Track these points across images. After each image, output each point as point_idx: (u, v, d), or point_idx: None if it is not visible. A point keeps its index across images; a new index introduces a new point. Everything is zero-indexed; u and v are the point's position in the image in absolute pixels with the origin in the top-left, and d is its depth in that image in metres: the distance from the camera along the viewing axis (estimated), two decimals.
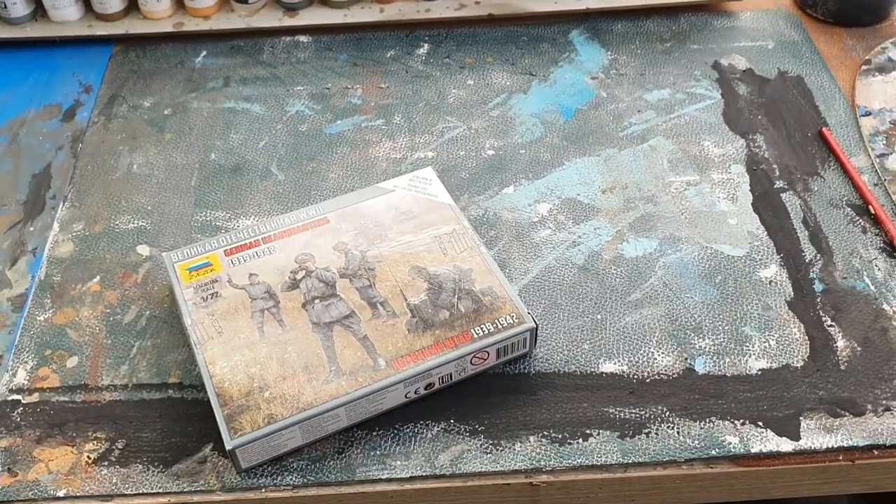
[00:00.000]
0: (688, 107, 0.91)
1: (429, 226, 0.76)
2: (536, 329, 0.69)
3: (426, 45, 1.00)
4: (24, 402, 0.70)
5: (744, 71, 0.95)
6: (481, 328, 0.69)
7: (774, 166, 0.85)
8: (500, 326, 0.69)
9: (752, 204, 0.82)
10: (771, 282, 0.76)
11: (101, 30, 1.01)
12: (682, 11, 1.03)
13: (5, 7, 0.99)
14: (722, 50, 0.98)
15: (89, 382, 0.71)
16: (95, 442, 0.67)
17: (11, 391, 0.70)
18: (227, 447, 0.62)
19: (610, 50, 0.98)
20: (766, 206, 0.82)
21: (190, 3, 1.00)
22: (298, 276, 0.72)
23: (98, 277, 0.78)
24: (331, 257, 0.74)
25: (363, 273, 0.73)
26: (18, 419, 0.68)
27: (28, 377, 0.71)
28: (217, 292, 0.71)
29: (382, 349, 0.68)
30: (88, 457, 0.66)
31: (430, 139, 0.89)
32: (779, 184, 0.84)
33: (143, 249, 0.80)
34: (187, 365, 0.71)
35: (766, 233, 0.79)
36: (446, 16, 1.01)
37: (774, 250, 0.78)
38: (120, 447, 0.66)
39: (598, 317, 0.74)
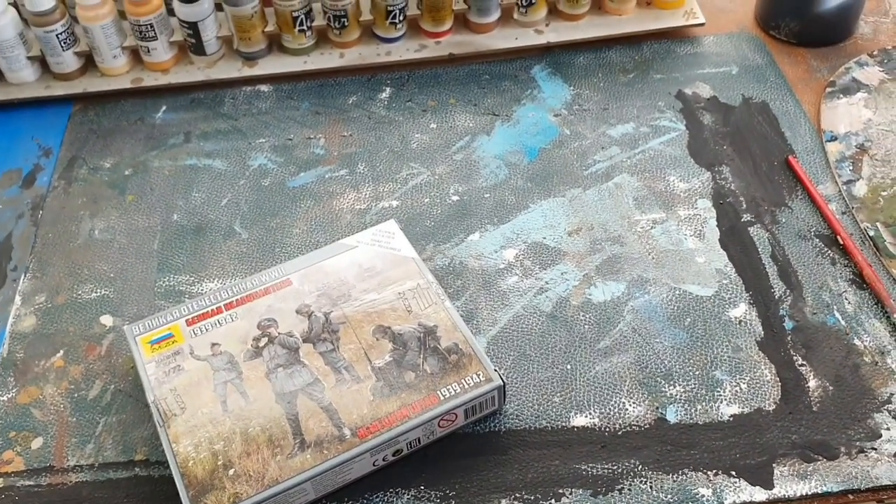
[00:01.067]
0: (652, 140, 0.90)
1: (392, 282, 0.75)
2: (504, 386, 0.68)
3: (388, 89, 0.99)
4: None
5: (708, 99, 0.95)
6: (448, 389, 0.68)
7: (741, 198, 0.84)
8: (466, 386, 0.68)
9: (719, 240, 0.81)
10: (741, 322, 0.75)
11: (59, 90, 1.00)
12: (644, 40, 1.02)
13: None
14: (686, 78, 0.97)
15: (55, 464, 0.70)
16: None
17: None
18: None
19: (572, 84, 0.97)
20: (734, 241, 0.81)
21: (147, 58, 0.99)
22: (261, 344, 0.72)
23: (62, 352, 0.77)
24: (294, 321, 0.73)
25: (327, 336, 0.72)
26: None
27: None
28: (179, 365, 0.70)
29: (347, 417, 0.67)
30: None
31: (395, 187, 0.88)
32: (746, 217, 0.83)
33: (107, 319, 0.79)
34: (153, 440, 0.70)
35: (734, 270, 0.79)
36: (407, 58, 1.00)
37: (743, 288, 0.77)
38: None
39: (568, 367, 0.73)
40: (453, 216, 0.85)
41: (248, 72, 1.00)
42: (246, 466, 0.64)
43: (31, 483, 0.69)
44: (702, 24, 1.01)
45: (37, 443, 0.71)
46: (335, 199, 0.88)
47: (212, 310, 0.74)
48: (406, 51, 1.00)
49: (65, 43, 0.97)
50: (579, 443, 0.68)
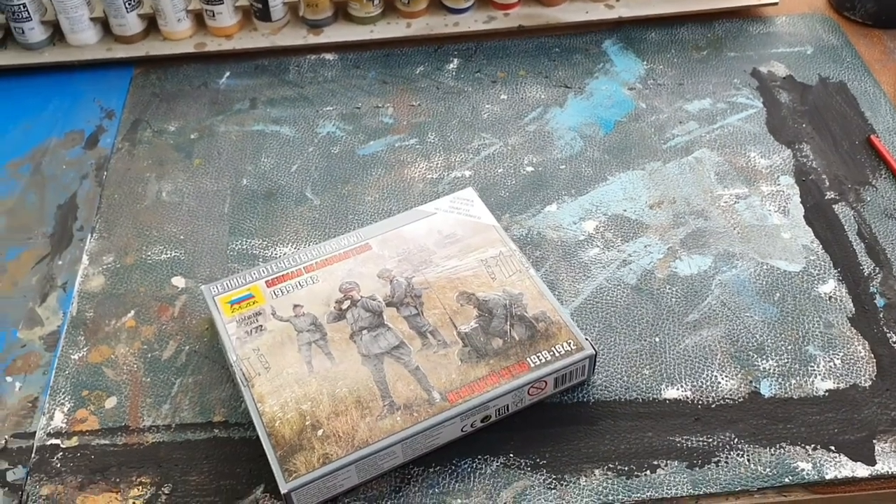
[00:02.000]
0: (730, 116, 0.89)
1: (474, 249, 0.74)
2: (595, 356, 0.66)
3: (456, 60, 0.97)
4: (63, 446, 0.67)
5: (784, 78, 0.93)
6: (538, 356, 0.66)
7: (824, 176, 0.83)
8: (557, 354, 0.66)
9: (804, 216, 0.79)
10: (831, 298, 0.73)
11: (121, 52, 0.98)
12: (716, 18, 1.00)
13: (23, 32, 0.96)
14: (760, 57, 0.95)
15: (130, 424, 0.68)
16: (140, 487, 0.64)
17: (50, 435, 0.67)
18: (283, 490, 0.59)
19: (645, 59, 0.95)
20: (819, 218, 0.79)
21: (211, 23, 0.98)
22: (344, 307, 0.70)
23: (133, 312, 0.75)
24: (376, 285, 0.71)
25: (410, 301, 0.70)
26: (59, 465, 0.66)
27: (66, 420, 0.68)
28: (261, 325, 0.68)
29: (436, 381, 0.65)
30: (134, 502, 0.63)
31: (466, 157, 0.86)
32: (830, 195, 0.81)
33: (179, 281, 0.77)
34: (232, 402, 0.69)
35: (821, 246, 0.77)
36: (475, 29, 0.98)
37: (831, 264, 0.75)
38: (167, 492, 0.64)
39: (657, 339, 0.71)
40: (528, 187, 0.83)
41: (313, 39, 0.98)
42: (335, 427, 0.62)
43: (107, 442, 0.67)
44: (775, 4, 0.99)
45: (110, 402, 0.69)
46: (406, 168, 0.86)
47: (292, 272, 0.72)
48: (474, 22, 0.99)
49: (129, 4, 0.96)
50: (672, 415, 0.67)
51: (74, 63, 0.98)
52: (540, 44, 0.98)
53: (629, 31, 0.99)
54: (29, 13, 0.95)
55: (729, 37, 0.98)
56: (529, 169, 0.85)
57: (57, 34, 0.99)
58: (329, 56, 0.99)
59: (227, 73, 0.97)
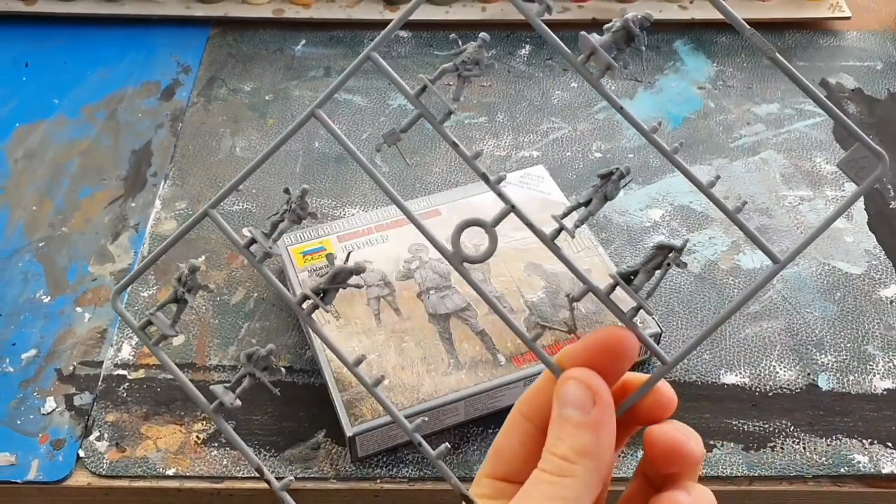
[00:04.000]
0: (797, 122, 0.90)
1: (542, 223, 0.74)
2: (661, 335, 0.67)
3: (528, 47, 0.98)
4: (129, 377, 0.68)
5: (852, 90, 0.94)
6: None
7: (889, 186, 0.83)
8: None
9: (867, 223, 0.80)
10: (892, 302, 0.74)
11: (200, 11, 1.00)
12: (786, 28, 1.01)
13: None
14: (829, 68, 0.96)
15: (197, 362, 0.69)
16: (204, 422, 0.65)
17: (117, 366, 0.69)
18: (347, 434, 0.60)
19: (715, 61, 0.97)
20: (883, 225, 0.80)
21: None
22: (413, 266, 0.71)
23: (203, 257, 0.76)
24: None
25: (477, 267, 0.71)
26: (125, 394, 0.67)
27: (133, 353, 0.70)
28: None
29: (501, 345, 0.66)
30: (197, 437, 0.64)
31: (535, 138, 0.88)
32: (894, 204, 0.82)
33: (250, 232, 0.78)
34: (297, 349, 0.70)
35: (883, 252, 0.77)
36: (549, 18, 0.99)
37: (893, 270, 0.76)
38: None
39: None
40: (596, 171, 0.84)
41: (388, 15, 1.00)
42: (401, 378, 0.64)
43: (173, 377, 0.68)
44: (847, 18, 1.00)
45: (178, 340, 0.70)
46: (474, 144, 0.87)
47: (363, 229, 0.74)
48: None
49: None
50: (729, 399, 0.67)
51: (153, 17, 1.00)
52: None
53: (700, 32, 1.00)
54: None
55: (799, 47, 0.99)
56: (598, 155, 0.86)
57: None
58: (402, 33, 1.00)
59: (303, 41, 0.99)
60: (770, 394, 0.68)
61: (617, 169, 0.44)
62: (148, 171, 0.84)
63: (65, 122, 0.89)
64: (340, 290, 0.41)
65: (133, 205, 0.81)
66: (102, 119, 0.89)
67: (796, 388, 0.68)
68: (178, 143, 0.87)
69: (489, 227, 0.43)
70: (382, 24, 1.00)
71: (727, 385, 0.68)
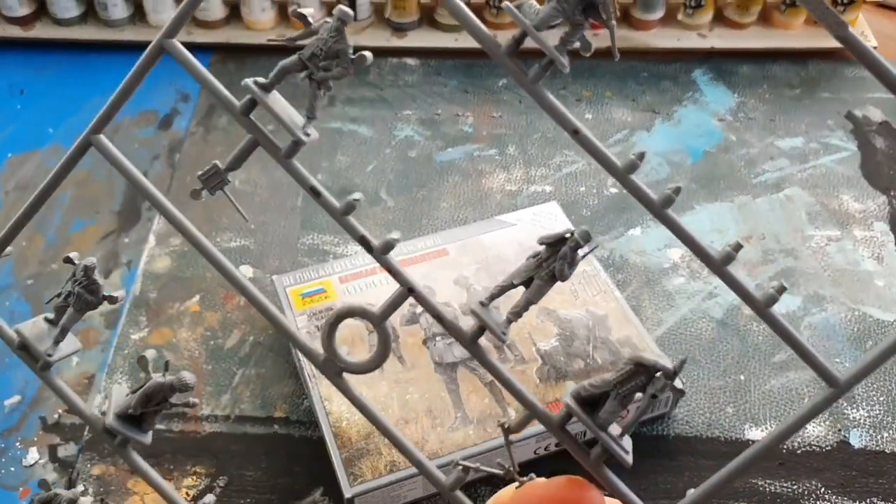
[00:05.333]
0: (823, 157, 0.86)
1: None
2: (683, 393, 0.63)
3: None
4: None
5: (880, 123, 0.90)
6: None
7: None
8: None
9: None
10: None
11: (201, 37, 0.97)
12: (809, 58, 0.97)
13: (105, 8, 0.95)
14: (855, 100, 0.92)
15: (188, 411, 0.65)
16: (195, 477, 0.61)
17: (104, 414, 0.65)
18: (346, 495, 0.56)
19: (736, 92, 0.93)
20: None
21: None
22: (418, 310, 0.67)
23: (197, 297, 0.73)
24: (452, 292, 0.68)
25: None
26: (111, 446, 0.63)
27: None
28: None
29: (511, 398, 0.62)
30: (187, 493, 0.60)
31: (547, 172, 0.84)
32: None
33: (247, 270, 0.74)
34: (294, 398, 0.66)
35: None
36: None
37: None
38: (221, 485, 0.61)
39: (742, 378, 0.67)
40: (612, 208, 0.80)
41: (396, 42, 0.96)
42: (405, 433, 0.59)
43: (162, 427, 0.64)
44: (874, 48, 0.96)
45: None
46: (484, 178, 0.83)
47: (365, 270, 0.70)
48: None
49: None
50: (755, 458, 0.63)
51: None
52: (629, 67, 0.96)
53: (720, 62, 0.96)
54: None
55: (823, 77, 0.95)
56: (613, 190, 0.82)
57: (138, 13, 0.98)
58: (410, 61, 0.97)
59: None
60: (798, 451, 0.63)
61: (572, 234, 0.31)
62: (143, 205, 0.80)
63: (60, 151, 0.86)
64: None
65: (126, 240, 0.77)
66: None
67: (826, 446, 0.64)
68: (175, 175, 0.83)
69: (378, 322, 0.31)
70: (390, 51, 0.97)
71: (752, 441, 0.64)
